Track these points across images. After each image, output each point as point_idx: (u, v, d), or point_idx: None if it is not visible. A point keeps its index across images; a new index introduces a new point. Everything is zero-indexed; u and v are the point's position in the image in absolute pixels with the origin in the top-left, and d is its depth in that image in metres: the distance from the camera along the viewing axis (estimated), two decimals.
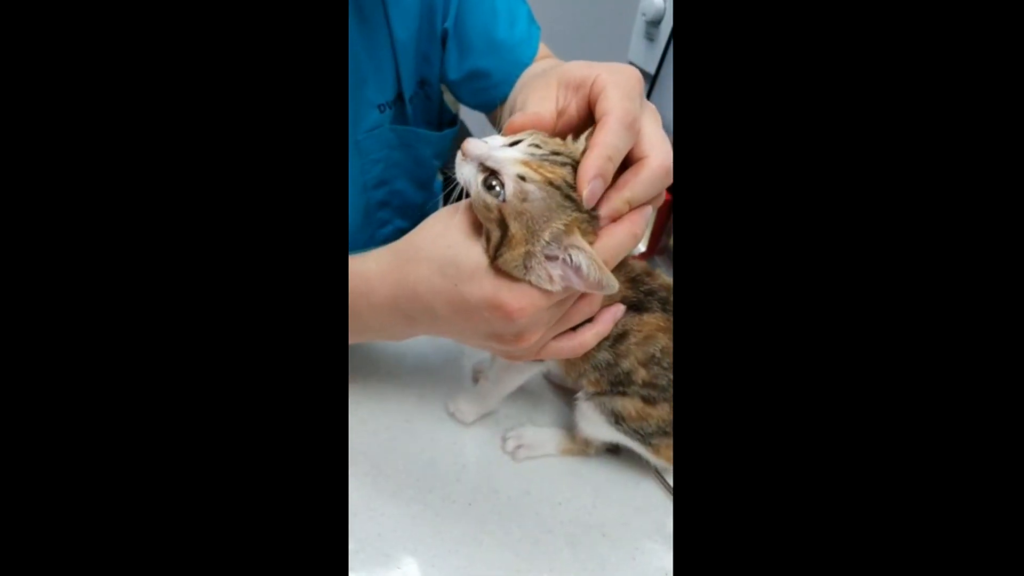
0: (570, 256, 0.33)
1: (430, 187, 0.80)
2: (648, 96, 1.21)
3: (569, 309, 0.38)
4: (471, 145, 0.34)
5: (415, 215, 0.78)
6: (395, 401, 0.56)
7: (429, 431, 0.54)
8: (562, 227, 0.33)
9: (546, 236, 0.33)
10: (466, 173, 0.34)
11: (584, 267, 0.32)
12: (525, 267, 0.33)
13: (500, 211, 0.33)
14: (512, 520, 0.49)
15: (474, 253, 0.35)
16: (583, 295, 0.38)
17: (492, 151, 0.33)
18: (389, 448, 0.52)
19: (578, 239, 0.33)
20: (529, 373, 0.52)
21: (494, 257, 0.34)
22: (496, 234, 0.34)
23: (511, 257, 0.33)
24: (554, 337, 0.40)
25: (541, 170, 0.33)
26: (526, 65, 0.62)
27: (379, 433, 0.53)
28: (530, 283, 0.34)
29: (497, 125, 0.68)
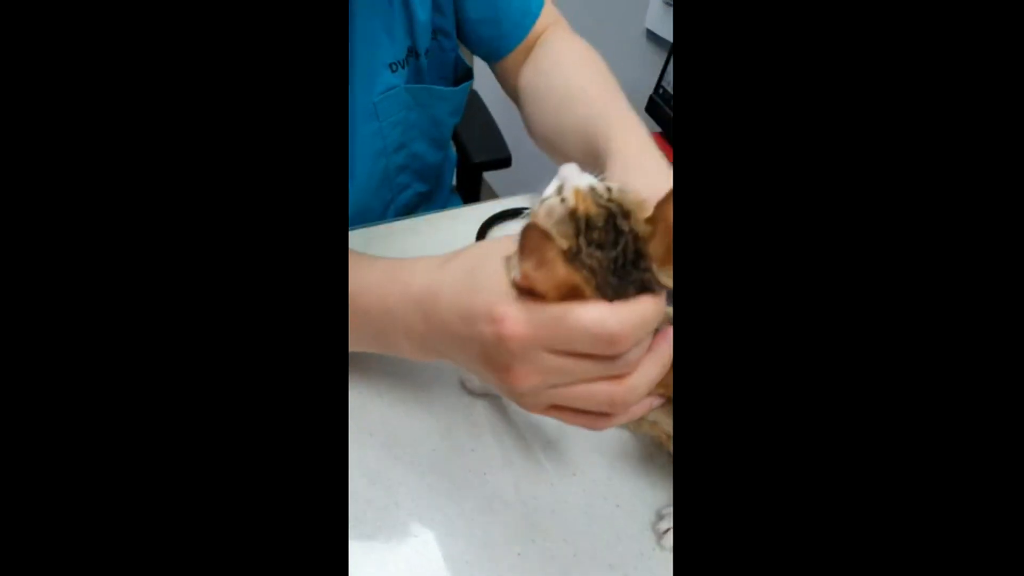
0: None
1: (446, 147, 0.78)
2: (664, 67, 1.15)
3: (579, 385, 0.35)
4: (566, 168, 0.36)
5: (432, 177, 0.77)
6: (411, 374, 0.57)
7: (445, 403, 0.55)
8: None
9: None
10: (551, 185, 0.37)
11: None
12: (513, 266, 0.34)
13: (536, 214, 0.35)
14: (527, 490, 0.49)
15: (501, 268, 0.35)
16: (606, 378, 0.35)
17: (572, 175, 0.36)
18: (406, 420, 0.53)
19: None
20: None
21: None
22: None
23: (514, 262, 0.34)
24: (562, 409, 0.37)
25: (580, 200, 0.34)
26: (535, 16, 0.63)
27: (395, 405, 0.54)
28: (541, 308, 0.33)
29: (500, 79, 0.70)
